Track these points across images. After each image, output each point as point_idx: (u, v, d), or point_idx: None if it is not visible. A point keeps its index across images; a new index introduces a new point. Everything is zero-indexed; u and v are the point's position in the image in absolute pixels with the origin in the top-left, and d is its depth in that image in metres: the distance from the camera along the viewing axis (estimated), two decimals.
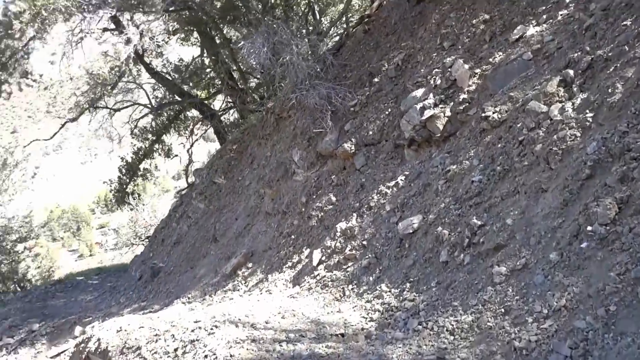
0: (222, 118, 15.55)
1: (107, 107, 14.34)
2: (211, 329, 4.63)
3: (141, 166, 17.62)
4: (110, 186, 18.53)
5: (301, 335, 4.18)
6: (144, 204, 21.38)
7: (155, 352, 4.71)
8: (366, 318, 4.42)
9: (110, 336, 5.56)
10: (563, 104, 4.26)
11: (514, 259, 3.75)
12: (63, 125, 16.14)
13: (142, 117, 14.90)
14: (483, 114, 5.10)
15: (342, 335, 4.13)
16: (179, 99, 14.77)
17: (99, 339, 5.66)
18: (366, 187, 6.33)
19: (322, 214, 6.69)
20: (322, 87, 7.44)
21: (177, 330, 4.93)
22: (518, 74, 5.12)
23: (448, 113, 5.72)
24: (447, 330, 3.67)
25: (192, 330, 4.72)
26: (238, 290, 6.84)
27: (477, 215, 4.38)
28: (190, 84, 15.57)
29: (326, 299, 5.22)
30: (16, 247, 14.60)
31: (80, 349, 6.01)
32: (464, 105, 5.56)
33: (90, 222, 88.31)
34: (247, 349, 3.89)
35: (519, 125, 4.57)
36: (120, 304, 9.58)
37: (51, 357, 6.52)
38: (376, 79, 7.22)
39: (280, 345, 3.94)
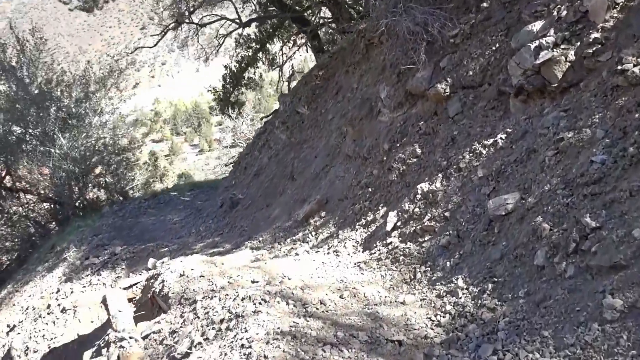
0: (319, 33, 14.53)
1: (193, 23, 13.84)
2: (260, 303, 4.20)
3: (245, 75, 17.40)
4: (215, 94, 18.64)
5: (352, 335, 3.56)
6: (244, 116, 21.43)
7: (207, 313, 4.50)
8: (433, 321, 3.67)
9: (173, 281, 5.56)
10: None
11: (636, 291, 2.72)
12: (165, 33, 16.11)
13: (230, 33, 14.26)
14: (619, 66, 3.80)
15: (400, 343, 3.44)
16: (274, 9, 13.88)
17: (163, 282, 5.69)
18: (458, 141, 5.30)
19: (404, 167, 5.81)
20: (418, 11, 6.21)
21: (232, 292, 4.68)
22: None
23: (571, 57, 4.42)
24: None
25: (242, 299, 4.36)
26: (307, 242, 6.33)
27: (591, 212, 3.29)
28: None
29: (394, 278, 4.51)
30: (119, 157, 15.19)
31: (150, 284, 6.08)
32: (594, 48, 4.23)
33: (210, 119, 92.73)
34: (284, 351, 3.35)
35: None
36: (198, 232, 9.60)
37: (123, 288, 6.59)
38: (485, 4, 5.87)
39: (323, 351, 3.35)
